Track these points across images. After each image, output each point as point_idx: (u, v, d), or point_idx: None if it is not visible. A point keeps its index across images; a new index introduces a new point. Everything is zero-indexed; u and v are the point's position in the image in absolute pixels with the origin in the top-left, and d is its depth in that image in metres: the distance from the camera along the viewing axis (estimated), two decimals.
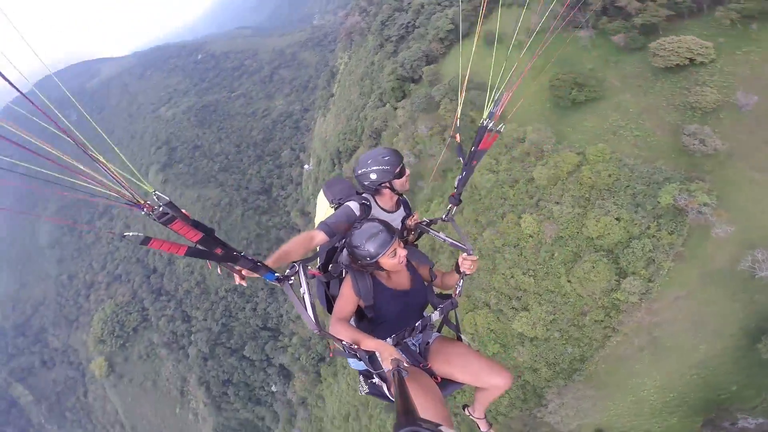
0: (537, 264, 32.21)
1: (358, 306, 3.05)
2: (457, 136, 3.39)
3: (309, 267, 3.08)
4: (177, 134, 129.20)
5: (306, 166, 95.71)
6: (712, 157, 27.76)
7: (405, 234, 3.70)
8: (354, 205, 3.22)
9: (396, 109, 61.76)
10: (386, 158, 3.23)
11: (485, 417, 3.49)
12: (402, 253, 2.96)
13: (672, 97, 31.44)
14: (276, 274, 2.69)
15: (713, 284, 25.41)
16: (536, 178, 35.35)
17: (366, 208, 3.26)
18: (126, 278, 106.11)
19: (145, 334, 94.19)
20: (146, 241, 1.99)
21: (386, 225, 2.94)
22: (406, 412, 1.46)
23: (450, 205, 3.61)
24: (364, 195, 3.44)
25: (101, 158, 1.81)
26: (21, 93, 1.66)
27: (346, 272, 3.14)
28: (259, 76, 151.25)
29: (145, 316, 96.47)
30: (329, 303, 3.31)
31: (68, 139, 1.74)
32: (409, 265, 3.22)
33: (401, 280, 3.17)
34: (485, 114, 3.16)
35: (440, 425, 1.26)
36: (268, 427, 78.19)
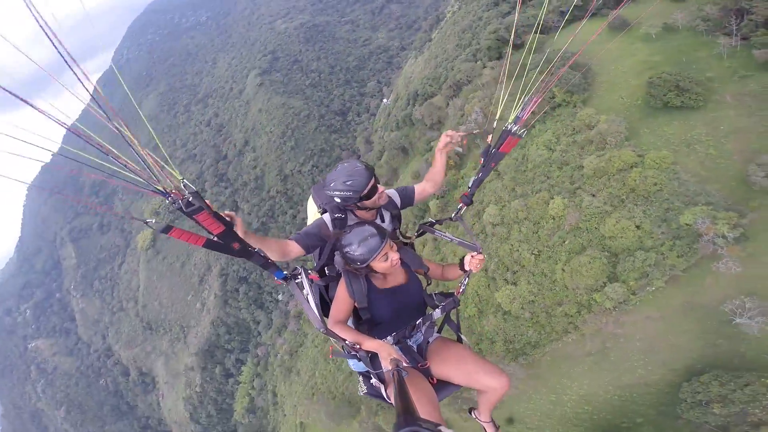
0: (546, 245, 32.49)
1: (355, 308, 3.02)
2: (489, 137, 3.24)
3: (309, 272, 3.10)
4: (283, 46, 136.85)
5: (384, 100, 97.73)
6: None
7: (400, 235, 3.59)
8: (327, 219, 3.13)
9: (485, 67, 59.97)
10: (348, 183, 2.96)
11: (492, 420, 3.46)
12: (394, 256, 2.91)
13: None
14: (284, 273, 2.74)
15: (690, 316, 24.26)
16: (585, 167, 34.25)
17: (340, 221, 3.12)
18: (199, 159, 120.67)
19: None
20: (167, 229, 1.97)
21: (378, 228, 2.86)
22: (406, 411, 1.45)
23: (461, 204, 3.50)
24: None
25: (136, 143, 1.79)
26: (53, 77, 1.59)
27: (341, 275, 3.07)
28: (371, 6, 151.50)
29: (202, 197, 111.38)
30: (325, 305, 3.30)
31: (111, 126, 1.71)
32: (404, 263, 3.14)
33: (397, 279, 3.13)
34: (511, 117, 3.05)
35: (440, 425, 1.27)
36: (258, 332, 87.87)
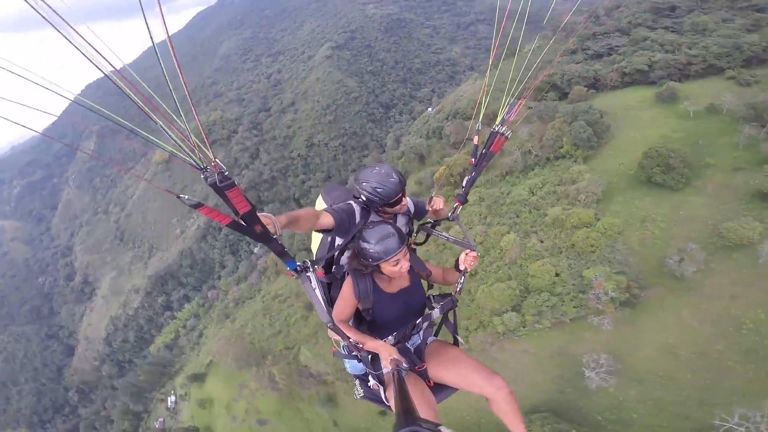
0: (483, 269, 34.41)
1: (357, 309, 3.04)
2: (476, 138, 3.38)
3: (316, 267, 3.08)
4: (363, 30, 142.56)
5: (429, 109, 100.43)
6: (677, 279, 25.95)
7: (412, 234, 3.68)
8: (356, 207, 3.17)
9: (522, 106, 61.17)
10: (379, 190, 3.02)
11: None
12: (405, 265, 2.91)
13: (732, 216, 28.14)
14: (297, 264, 2.80)
15: (556, 360, 25.87)
16: (548, 215, 35.73)
17: (366, 212, 3.19)
18: (245, 104, 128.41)
19: (219, 150, 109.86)
20: (198, 205, 1.97)
21: (399, 233, 2.86)
22: (406, 412, 1.46)
23: (456, 204, 3.62)
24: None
25: (177, 120, 1.78)
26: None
27: (348, 273, 3.11)
28: (460, 19, 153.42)
29: (232, 136, 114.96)
30: (328, 303, 3.24)
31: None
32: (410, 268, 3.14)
33: (401, 282, 3.15)
34: (498, 119, 3.24)
35: (440, 425, 1.28)
36: (219, 276, 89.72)
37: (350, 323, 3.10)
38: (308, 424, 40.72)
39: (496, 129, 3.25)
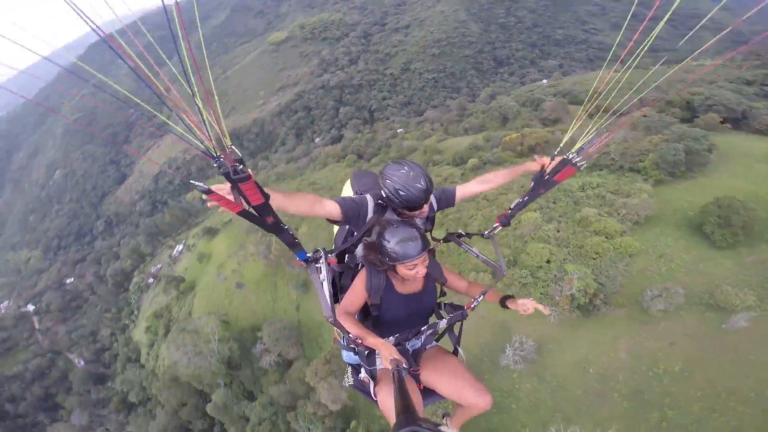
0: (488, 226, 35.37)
1: (365, 302, 3.00)
2: (546, 160, 2.98)
3: (329, 256, 3.03)
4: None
5: (544, 81, 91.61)
6: (642, 310, 26.02)
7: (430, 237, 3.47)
8: (370, 200, 3.01)
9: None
10: (402, 193, 2.79)
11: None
12: (422, 271, 2.84)
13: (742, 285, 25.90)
14: (308, 255, 2.76)
15: (494, 330, 27.31)
16: (581, 213, 34.66)
17: (380, 209, 3.01)
18: (366, 13, 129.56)
19: (323, 46, 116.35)
20: (208, 192, 1.87)
21: (423, 239, 2.76)
22: (406, 411, 1.46)
23: (497, 224, 3.37)
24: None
25: (198, 106, 1.64)
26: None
27: (362, 266, 3.06)
28: (638, 9, 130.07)
29: (342, 38, 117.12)
30: (336, 293, 3.26)
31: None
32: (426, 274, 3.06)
33: (415, 285, 3.08)
34: (575, 147, 2.79)
35: (440, 425, 1.29)
36: (276, 149, 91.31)
37: (356, 316, 3.05)
38: (275, 301, 44.81)
39: (570, 156, 2.85)
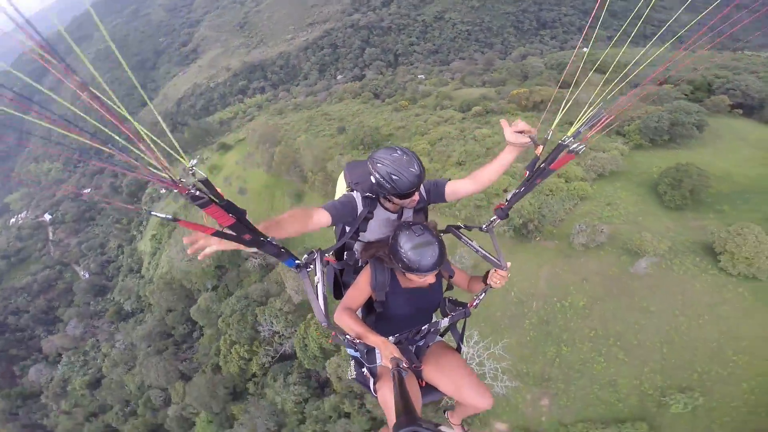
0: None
1: (369, 298, 2.94)
2: (539, 148, 2.66)
3: (326, 254, 2.96)
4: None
5: (585, 50, 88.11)
6: (568, 243, 28.56)
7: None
8: (356, 196, 2.94)
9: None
10: (395, 177, 2.65)
11: (461, 424, 3.61)
12: (431, 280, 2.78)
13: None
14: (297, 261, 2.63)
15: None
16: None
17: (369, 201, 2.93)
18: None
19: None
20: (175, 219, 1.83)
21: (441, 255, 2.60)
22: (406, 411, 1.46)
23: (494, 217, 3.25)
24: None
25: (138, 126, 1.51)
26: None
27: (366, 262, 2.99)
28: None
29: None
30: (338, 289, 3.26)
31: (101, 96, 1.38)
32: None
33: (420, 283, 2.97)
34: (571, 130, 2.45)
35: (440, 425, 1.39)
36: (298, 82, 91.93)
37: (358, 312, 3.03)
38: (271, 209, 48.42)
39: (566, 141, 2.51)
